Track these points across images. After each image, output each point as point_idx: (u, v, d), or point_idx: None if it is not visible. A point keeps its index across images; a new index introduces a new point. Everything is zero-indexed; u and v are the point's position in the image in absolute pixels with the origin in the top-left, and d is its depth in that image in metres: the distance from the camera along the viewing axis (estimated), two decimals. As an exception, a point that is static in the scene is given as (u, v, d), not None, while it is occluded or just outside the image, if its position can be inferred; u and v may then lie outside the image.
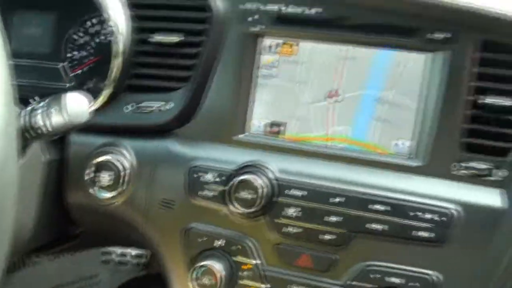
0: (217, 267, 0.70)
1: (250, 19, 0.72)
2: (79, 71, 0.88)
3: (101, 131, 0.77)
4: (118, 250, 1.19)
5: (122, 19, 0.75)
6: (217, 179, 0.71)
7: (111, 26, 0.75)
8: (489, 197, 0.66)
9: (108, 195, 0.75)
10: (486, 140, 0.66)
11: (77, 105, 0.59)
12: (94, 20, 0.87)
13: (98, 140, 0.77)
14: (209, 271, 0.70)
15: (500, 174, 0.66)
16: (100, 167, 0.75)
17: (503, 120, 0.66)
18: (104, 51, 0.82)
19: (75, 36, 0.88)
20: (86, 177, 0.75)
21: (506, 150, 0.66)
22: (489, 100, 0.65)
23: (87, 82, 0.86)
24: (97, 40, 0.87)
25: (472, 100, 0.66)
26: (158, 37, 0.75)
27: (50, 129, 0.58)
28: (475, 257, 0.66)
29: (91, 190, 0.75)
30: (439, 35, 0.66)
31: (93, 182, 0.75)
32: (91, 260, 1.21)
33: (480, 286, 0.67)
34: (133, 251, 1.18)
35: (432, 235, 0.66)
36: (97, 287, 1.21)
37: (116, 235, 0.87)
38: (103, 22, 0.85)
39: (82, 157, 0.76)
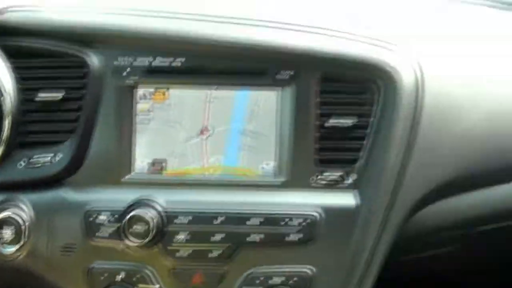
0: (121, 298, 0.78)
1: (124, 73, 0.80)
2: None
3: None
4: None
5: (8, 81, 0.80)
6: (111, 218, 0.78)
7: None
8: (344, 199, 0.79)
9: (13, 249, 0.79)
10: (336, 154, 0.80)
11: None
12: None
13: None
14: (114, 303, 0.77)
15: (351, 178, 0.80)
16: (1, 224, 0.79)
17: (348, 136, 0.80)
18: None
19: None
20: None
21: (354, 160, 0.80)
22: (333, 122, 0.79)
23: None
24: None
25: (319, 124, 0.79)
26: (42, 95, 0.81)
27: None
28: (339, 250, 0.79)
29: None
30: (285, 74, 0.79)
31: None
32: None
33: (347, 276, 0.80)
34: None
35: (301, 236, 0.78)
36: None
37: None
38: None
39: None
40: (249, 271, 0.79)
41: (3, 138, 0.80)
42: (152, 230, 0.76)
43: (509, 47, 0.93)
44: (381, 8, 0.96)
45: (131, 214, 0.76)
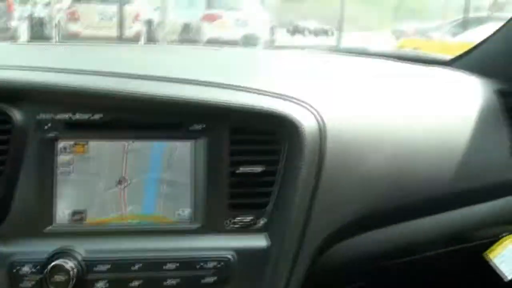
0: None
1: (46, 127, 0.84)
2: None
3: None
4: None
5: None
6: (33, 270, 0.80)
7: None
8: (256, 241, 0.85)
9: None
10: (247, 199, 0.86)
11: None
12: None
13: None
14: None
15: (262, 221, 0.86)
16: None
17: (257, 183, 0.86)
18: None
19: None
20: None
21: (264, 204, 0.86)
22: (243, 170, 0.85)
23: None
24: None
25: (230, 171, 0.85)
26: None
27: None
28: None
29: None
30: (197, 127, 0.85)
31: None
32: None
33: None
34: None
35: (216, 278, 0.82)
36: None
37: None
38: None
39: None
40: None
41: None
42: (73, 280, 0.79)
43: (407, 95, 1.02)
44: (283, 65, 1.04)
45: (52, 264, 0.79)
